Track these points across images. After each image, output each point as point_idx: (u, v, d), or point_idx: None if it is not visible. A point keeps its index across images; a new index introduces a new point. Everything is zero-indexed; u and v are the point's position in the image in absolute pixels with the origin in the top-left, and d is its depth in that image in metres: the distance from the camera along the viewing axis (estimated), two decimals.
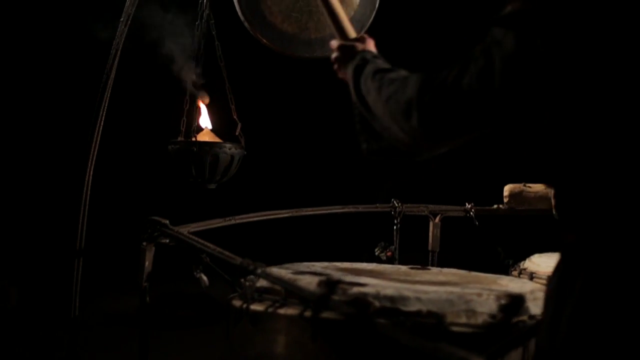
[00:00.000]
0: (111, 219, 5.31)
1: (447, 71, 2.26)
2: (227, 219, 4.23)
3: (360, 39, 2.91)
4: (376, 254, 4.82)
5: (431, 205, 5.10)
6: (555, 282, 2.27)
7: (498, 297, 2.85)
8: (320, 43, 4.45)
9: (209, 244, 3.20)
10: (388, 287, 2.87)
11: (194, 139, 4.27)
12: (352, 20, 4.43)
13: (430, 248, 5.06)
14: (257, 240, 5.63)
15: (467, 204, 5.12)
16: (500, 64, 2.16)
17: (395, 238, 4.92)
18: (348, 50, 2.83)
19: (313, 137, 5.08)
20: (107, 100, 4.11)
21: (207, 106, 4.39)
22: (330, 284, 2.77)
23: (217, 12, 4.38)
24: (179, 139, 4.40)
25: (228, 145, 4.31)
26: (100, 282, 5.19)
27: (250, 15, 4.36)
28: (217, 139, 4.39)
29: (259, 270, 2.93)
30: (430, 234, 5.07)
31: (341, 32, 3.03)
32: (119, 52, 4.20)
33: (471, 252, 5.45)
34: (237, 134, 4.44)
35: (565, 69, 2.14)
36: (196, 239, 3.28)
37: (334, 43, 2.94)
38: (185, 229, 3.75)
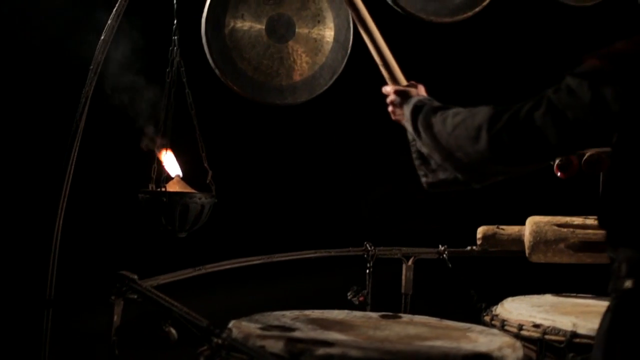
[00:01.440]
0: (82, 268, 5.27)
1: (520, 105, 2.52)
2: (197, 268, 4.21)
3: (412, 85, 3.19)
4: (348, 297, 4.79)
5: (404, 248, 5.08)
6: (608, 326, 2.41)
7: (465, 358, 2.86)
8: (291, 90, 4.46)
9: (176, 304, 3.17)
10: (354, 348, 2.86)
11: (163, 189, 4.24)
12: (323, 66, 4.47)
13: (403, 291, 5.03)
14: (232, 286, 5.61)
15: (440, 246, 5.10)
16: (571, 109, 2.43)
17: (367, 282, 4.90)
18: (403, 94, 3.12)
19: (285, 183, 5.07)
20: (77, 149, 4.09)
21: (178, 154, 4.36)
22: (295, 348, 2.76)
23: (188, 59, 4.37)
24: (150, 186, 4.38)
25: (198, 194, 4.29)
26: (70, 333, 5.15)
27: (221, 62, 4.37)
28: (187, 188, 4.37)
29: (224, 335, 2.94)
30: (403, 276, 5.05)
31: (394, 78, 3.30)
32: (88, 100, 4.17)
33: (444, 294, 5.44)
34: (207, 181, 4.42)
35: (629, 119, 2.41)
36: (164, 297, 3.25)
37: (389, 88, 3.22)
38: (154, 282, 3.72)
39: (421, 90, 3.16)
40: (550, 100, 2.47)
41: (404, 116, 3.04)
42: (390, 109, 3.20)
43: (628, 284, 2.40)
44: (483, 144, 2.58)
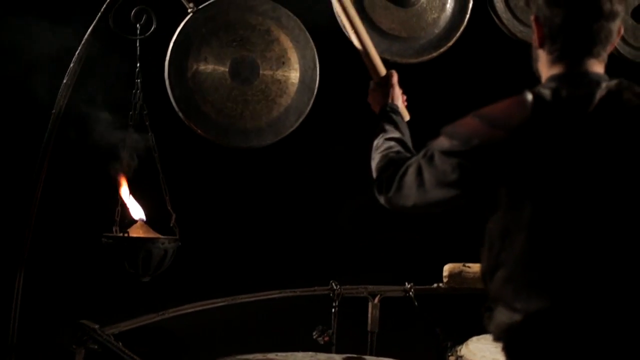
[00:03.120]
0: (46, 313, 5.23)
1: (409, 161, 2.76)
2: (160, 313, 4.19)
3: (390, 74, 3.53)
4: (314, 337, 4.77)
5: (370, 286, 5.07)
6: None
7: None
8: (256, 132, 4.45)
9: (136, 357, 3.16)
10: None
11: (126, 234, 4.21)
12: (289, 108, 4.47)
13: (369, 329, 5.03)
14: (196, 330, 5.59)
15: (406, 283, 5.09)
16: (434, 178, 2.62)
17: (333, 321, 4.88)
18: (378, 97, 3.47)
19: (249, 225, 5.06)
20: (40, 193, 4.07)
21: (141, 197, 4.34)
22: None
23: (151, 102, 4.35)
24: (114, 228, 4.35)
25: (161, 239, 4.25)
26: None
27: (184, 105, 4.35)
28: (151, 232, 4.33)
29: None
30: (370, 314, 5.04)
31: (374, 70, 3.60)
32: (51, 143, 4.15)
33: (411, 332, 5.43)
34: (171, 225, 4.39)
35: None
36: (124, 350, 3.23)
37: (372, 83, 3.57)
38: (116, 329, 3.70)
39: (394, 81, 3.49)
40: (420, 164, 2.68)
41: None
42: (369, 99, 3.53)
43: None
44: (374, 186, 2.89)
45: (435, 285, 5.18)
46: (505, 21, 4.89)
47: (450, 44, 4.71)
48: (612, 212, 2.46)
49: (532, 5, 2.62)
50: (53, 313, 5.23)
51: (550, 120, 2.45)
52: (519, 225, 2.47)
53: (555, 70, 2.58)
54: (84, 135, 4.35)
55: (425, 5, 4.57)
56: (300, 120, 4.49)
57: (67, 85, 4.18)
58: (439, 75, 3.70)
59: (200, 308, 4.50)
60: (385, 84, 3.51)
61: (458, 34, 4.72)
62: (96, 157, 4.38)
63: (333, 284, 4.94)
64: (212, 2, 4.35)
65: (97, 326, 3.46)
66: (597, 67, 2.59)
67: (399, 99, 3.48)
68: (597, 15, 2.54)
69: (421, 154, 2.70)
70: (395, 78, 3.52)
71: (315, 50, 4.50)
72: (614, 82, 2.52)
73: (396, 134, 3.17)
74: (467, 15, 4.72)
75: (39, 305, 4.97)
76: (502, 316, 2.49)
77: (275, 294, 4.89)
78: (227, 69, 4.39)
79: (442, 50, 4.67)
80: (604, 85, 2.51)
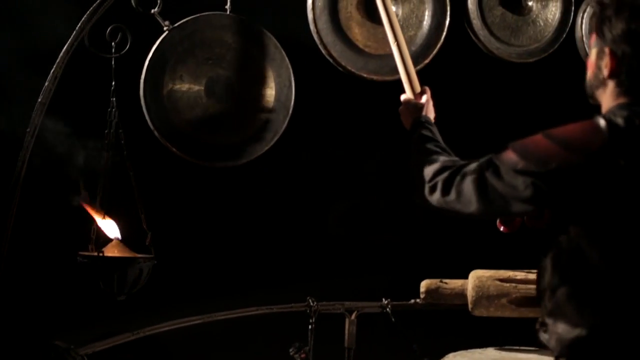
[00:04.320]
0: (21, 331, 5.20)
1: (466, 167, 2.84)
2: (135, 332, 4.17)
3: (423, 91, 3.70)
4: (290, 354, 4.76)
5: (347, 303, 5.06)
6: None
7: None
8: (231, 151, 4.44)
9: None
10: None
11: (101, 253, 4.19)
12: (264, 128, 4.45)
13: (346, 345, 5.01)
14: (172, 349, 5.57)
15: (383, 299, 5.09)
16: (499, 192, 2.70)
17: (310, 338, 4.87)
18: (412, 110, 3.58)
19: (226, 242, 5.05)
20: (15, 212, 4.05)
21: (117, 215, 4.32)
22: None
23: (126, 120, 4.34)
24: (90, 246, 4.33)
25: (136, 259, 4.24)
26: None
27: (159, 123, 4.33)
28: (126, 251, 4.32)
29: None
30: (346, 331, 5.02)
31: (410, 84, 3.74)
32: (25, 164, 4.13)
33: (388, 348, 5.43)
34: (147, 243, 4.37)
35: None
36: None
37: (404, 97, 3.71)
38: (90, 349, 3.68)
39: (428, 96, 3.67)
40: (484, 175, 2.74)
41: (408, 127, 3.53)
42: (401, 116, 3.65)
43: None
44: (426, 189, 2.95)
45: (412, 301, 5.17)
46: (482, 38, 4.90)
47: (427, 61, 4.71)
48: None
49: (607, 35, 2.68)
50: (27, 333, 5.21)
51: (625, 147, 2.54)
52: (592, 244, 2.56)
53: (623, 100, 2.67)
54: (60, 153, 4.34)
55: (401, 23, 4.54)
56: (276, 138, 4.49)
57: (42, 103, 4.15)
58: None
59: (177, 326, 4.48)
60: (419, 99, 3.66)
61: (435, 51, 4.72)
62: (72, 175, 4.37)
63: (310, 300, 4.93)
64: (188, 20, 4.34)
65: (71, 346, 3.44)
66: None
67: (432, 115, 3.62)
68: None
69: (482, 163, 2.78)
70: (429, 93, 3.68)
71: (290, 68, 4.49)
72: None
73: (438, 142, 3.28)
74: (444, 33, 4.72)
75: (13, 325, 4.94)
76: (564, 331, 2.60)
77: (251, 311, 4.87)
78: (202, 88, 4.38)
79: (419, 67, 4.66)
80: None
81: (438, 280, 5.10)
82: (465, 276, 4.94)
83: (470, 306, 4.86)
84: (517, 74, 5.16)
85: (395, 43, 3.84)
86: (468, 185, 2.79)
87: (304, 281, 5.89)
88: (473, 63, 5.31)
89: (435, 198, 2.91)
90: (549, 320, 2.66)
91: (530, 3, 4.93)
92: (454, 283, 5.06)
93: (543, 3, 4.97)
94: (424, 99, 3.67)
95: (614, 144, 2.54)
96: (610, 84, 2.70)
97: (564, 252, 2.62)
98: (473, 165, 2.82)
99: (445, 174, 2.90)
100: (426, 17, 4.68)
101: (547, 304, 2.66)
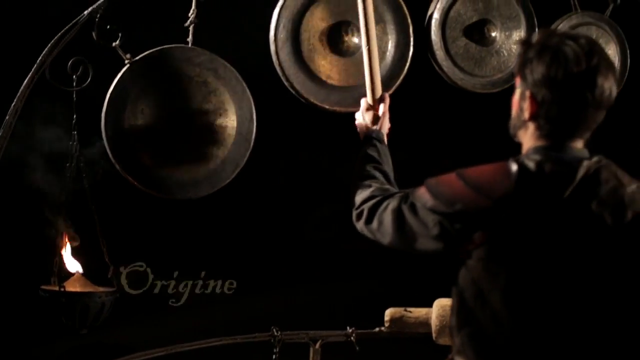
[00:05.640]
0: None
1: (390, 198, 2.92)
2: None
3: (382, 98, 3.73)
4: None
5: (311, 332, 5.06)
6: None
7: None
8: (193, 184, 4.43)
9: None
10: None
11: (62, 288, 4.18)
12: (225, 159, 4.45)
13: None
14: None
15: (348, 328, 5.09)
16: (410, 225, 2.77)
17: None
18: (367, 121, 3.64)
19: (187, 273, 5.03)
20: None
21: (78, 249, 4.32)
22: None
23: (88, 153, 4.33)
24: (52, 279, 4.32)
25: (98, 293, 4.23)
26: None
27: (121, 157, 4.31)
28: (88, 284, 4.31)
29: None
30: None
31: (372, 88, 3.77)
32: None
33: None
34: (109, 276, 4.36)
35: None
36: None
37: (363, 103, 3.73)
38: None
39: (387, 106, 3.70)
40: (402, 209, 2.82)
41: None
42: (356, 122, 3.70)
43: None
44: (353, 215, 3.08)
45: (377, 329, 5.17)
46: (445, 69, 4.92)
47: (391, 92, 4.69)
48: (581, 290, 2.58)
49: (528, 77, 2.67)
50: None
51: (532, 194, 2.57)
52: (493, 288, 2.58)
53: (540, 142, 2.68)
54: (22, 187, 4.33)
55: None
56: (237, 171, 4.48)
57: (2, 137, 4.14)
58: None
59: (140, 359, 4.46)
60: (377, 108, 3.68)
61: (398, 82, 4.72)
62: (34, 209, 4.35)
63: (274, 330, 4.93)
64: (150, 53, 4.32)
65: None
66: (580, 144, 2.69)
67: (386, 128, 3.64)
68: (593, 105, 2.63)
69: (403, 196, 2.86)
70: (387, 104, 3.71)
71: (252, 101, 4.48)
72: (594, 161, 2.63)
73: (380, 165, 3.35)
74: (408, 63, 4.72)
75: None
76: None
77: (215, 342, 4.86)
78: (164, 121, 4.35)
79: None
80: (585, 163, 2.61)
81: (402, 308, 5.11)
82: (429, 304, 4.95)
83: (434, 335, 4.88)
84: (481, 104, 5.17)
85: (367, 46, 3.84)
86: (388, 216, 2.87)
87: (267, 311, 5.89)
88: (437, 94, 5.33)
89: (360, 225, 3.02)
90: (457, 358, 2.68)
91: (494, 34, 4.94)
92: (418, 312, 5.07)
93: (507, 33, 4.99)
94: (381, 108, 3.70)
95: (520, 191, 2.56)
96: (531, 126, 2.69)
97: (468, 293, 2.63)
98: (396, 198, 2.89)
99: (371, 203, 2.99)
100: (389, 48, 4.68)
101: (455, 341, 2.67)
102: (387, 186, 3.17)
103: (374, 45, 3.87)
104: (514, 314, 2.56)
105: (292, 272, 5.99)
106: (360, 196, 3.10)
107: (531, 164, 2.59)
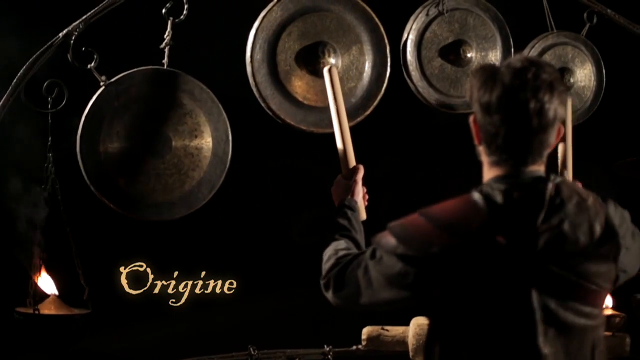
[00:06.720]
0: None
1: (353, 261, 2.81)
2: None
3: (355, 169, 3.63)
4: None
5: (288, 350, 5.09)
6: None
7: None
8: (168, 206, 4.43)
9: None
10: None
11: (37, 311, 4.18)
12: (201, 181, 4.45)
13: None
14: None
15: (325, 346, 5.11)
16: (379, 278, 2.66)
17: None
18: (340, 190, 3.53)
19: (161, 295, 5.03)
20: None
21: (54, 271, 4.31)
22: None
23: (63, 175, 4.33)
24: (28, 300, 4.31)
25: (72, 315, 4.23)
26: None
27: (96, 179, 4.31)
28: (63, 307, 4.30)
29: None
30: None
31: (345, 161, 3.71)
32: None
33: None
34: (84, 299, 4.37)
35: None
36: None
37: (339, 175, 3.64)
38: None
39: (360, 175, 3.58)
40: (367, 265, 2.71)
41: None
42: (332, 189, 3.59)
43: None
44: (321, 285, 2.93)
45: (354, 347, 5.20)
46: (420, 89, 4.94)
47: (368, 112, 4.73)
48: (564, 313, 2.55)
49: (472, 103, 2.65)
50: None
51: (505, 225, 2.51)
52: (468, 320, 2.55)
53: (498, 171, 2.63)
54: None
55: (341, 74, 4.54)
56: (213, 193, 4.48)
57: None
58: (356, 144, 3.72)
59: None
60: (349, 177, 3.58)
61: (375, 103, 4.74)
62: (8, 231, 4.35)
63: (251, 348, 4.94)
64: (125, 75, 4.33)
65: None
66: (537, 167, 2.64)
67: (359, 196, 3.53)
68: (528, 129, 2.59)
69: (368, 253, 2.73)
70: (361, 174, 3.59)
71: (228, 122, 4.49)
72: (552, 179, 2.59)
73: (348, 232, 3.22)
74: (384, 84, 4.74)
75: None
76: None
77: None
78: (139, 143, 4.36)
79: (359, 119, 4.69)
80: (548, 185, 2.57)
81: (379, 327, 5.13)
82: (406, 323, 4.97)
83: (411, 354, 4.91)
84: (459, 124, 5.19)
85: (337, 120, 3.81)
86: (355, 277, 2.75)
87: (245, 329, 5.89)
88: (413, 114, 5.35)
89: (329, 296, 2.87)
90: None
91: (469, 54, 4.97)
92: (395, 330, 5.10)
93: (483, 53, 5.02)
94: (355, 178, 3.59)
95: (493, 224, 2.51)
96: (482, 151, 2.67)
97: (437, 337, 2.62)
98: (360, 256, 2.79)
99: (336, 270, 2.86)
100: (366, 69, 4.70)
101: None
102: (352, 252, 2.99)
103: (344, 119, 3.83)
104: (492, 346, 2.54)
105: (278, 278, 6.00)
106: (326, 265, 2.96)
107: (496, 194, 2.54)
